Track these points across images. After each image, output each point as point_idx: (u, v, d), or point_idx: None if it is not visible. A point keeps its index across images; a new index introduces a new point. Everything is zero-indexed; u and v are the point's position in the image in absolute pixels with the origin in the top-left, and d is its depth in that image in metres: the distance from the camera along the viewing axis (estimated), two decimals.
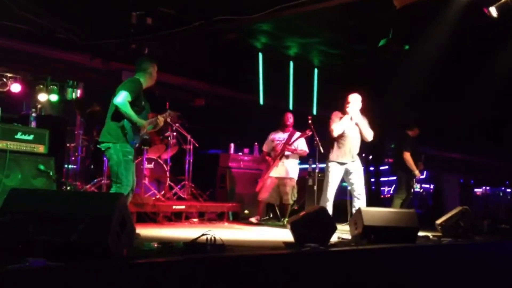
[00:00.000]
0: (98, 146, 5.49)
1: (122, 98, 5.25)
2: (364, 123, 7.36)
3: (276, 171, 8.42)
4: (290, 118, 8.64)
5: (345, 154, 7.31)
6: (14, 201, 3.82)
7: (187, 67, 9.70)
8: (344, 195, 8.57)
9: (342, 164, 7.33)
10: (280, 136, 8.60)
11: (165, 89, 9.65)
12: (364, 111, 7.47)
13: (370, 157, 11.92)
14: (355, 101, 7.34)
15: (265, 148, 8.72)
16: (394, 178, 9.99)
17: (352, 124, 7.34)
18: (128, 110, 5.32)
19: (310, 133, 8.09)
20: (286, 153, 8.41)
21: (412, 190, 9.20)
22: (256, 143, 10.52)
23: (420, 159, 9.07)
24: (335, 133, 7.24)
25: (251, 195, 9.57)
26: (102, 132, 5.44)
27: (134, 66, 5.74)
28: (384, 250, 5.25)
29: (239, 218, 8.91)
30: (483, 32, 7.84)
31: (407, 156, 8.73)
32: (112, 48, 8.38)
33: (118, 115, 5.34)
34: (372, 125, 7.51)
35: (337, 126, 7.25)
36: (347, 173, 7.37)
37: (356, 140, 7.38)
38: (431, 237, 6.61)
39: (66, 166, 9.18)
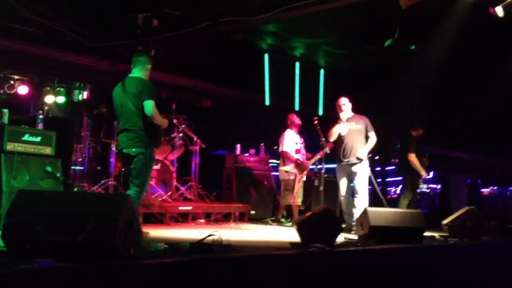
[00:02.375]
0: (124, 151, 5.48)
1: (154, 109, 5.36)
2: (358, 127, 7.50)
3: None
4: (299, 120, 8.61)
5: (346, 154, 7.44)
6: (22, 202, 3.85)
7: (193, 68, 9.72)
8: None
9: (345, 164, 7.46)
10: (298, 139, 8.52)
11: (172, 90, 9.68)
12: (360, 111, 7.65)
13: (376, 157, 11.91)
14: (346, 104, 7.56)
15: (287, 148, 8.45)
16: (401, 178, 9.96)
17: (350, 126, 7.49)
18: (160, 118, 5.48)
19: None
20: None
21: (418, 191, 9.17)
22: (262, 144, 10.53)
23: (424, 156, 9.06)
24: (331, 139, 7.57)
25: (257, 196, 9.59)
26: (129, 138, 5.43)
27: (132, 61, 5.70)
28: (391, 250, 5.24)
29: (246, 219, 8.92)
30: (491, 31, 7.82)
31: (412, 157, 8.70)
32: (119, 50, 8.41)
33: (148, 122, 5.42)
34: (378, 125, 7.54)
35: (331, 132, 7.53)
36: (352, 173, 7.46)
37: (356, 141, 7.45)
38: (437, 237, 6.60)
39: (73, 167, 9.22)
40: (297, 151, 8.42)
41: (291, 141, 8.46)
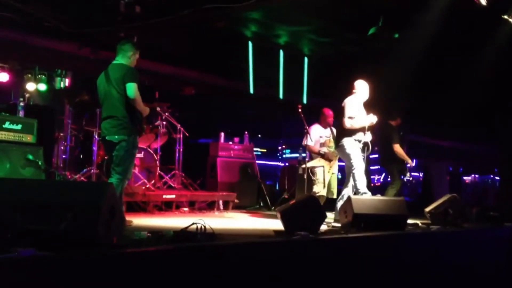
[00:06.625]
0: (107, 138, 5.40)
1: (136, 92, 5.29)
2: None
3: (334, 168, 8.18)
4: (332, 116, 8.36)
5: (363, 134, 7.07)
6: (2, 190, 3.79)
7: (177, 55, 9.64)
8: None
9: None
10: (323, 132, 8.28)
11: (155, 78, 9.60)
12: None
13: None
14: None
15: (309, 142, 8.09)
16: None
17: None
18: (142, 104, 5.40)
19: None
20: None
21: (405, 179, 9.22)
22: (246, 132, 10.52)
23: (404, 145, 9.07)
24: (357, 125, 6.98)
25: (241, 184, 9.58)
26: (112, 125, 5.37)
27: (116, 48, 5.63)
28: (374, 238, 5.27)
29: (230, 207, 8.92)
30: (473, 20, 7.85)
31: (398, 148, 8.70)
32: (101, 37, 8.30)
33: (131, 107, 5.36)
34: None
35: (359, 123, 6.99)
36: None
37: None
38: (420, 224, 6.65)
39: (55, 155, 9.12)
40: (321, 145, 8.26)
41: (316, 135, 8.27)
